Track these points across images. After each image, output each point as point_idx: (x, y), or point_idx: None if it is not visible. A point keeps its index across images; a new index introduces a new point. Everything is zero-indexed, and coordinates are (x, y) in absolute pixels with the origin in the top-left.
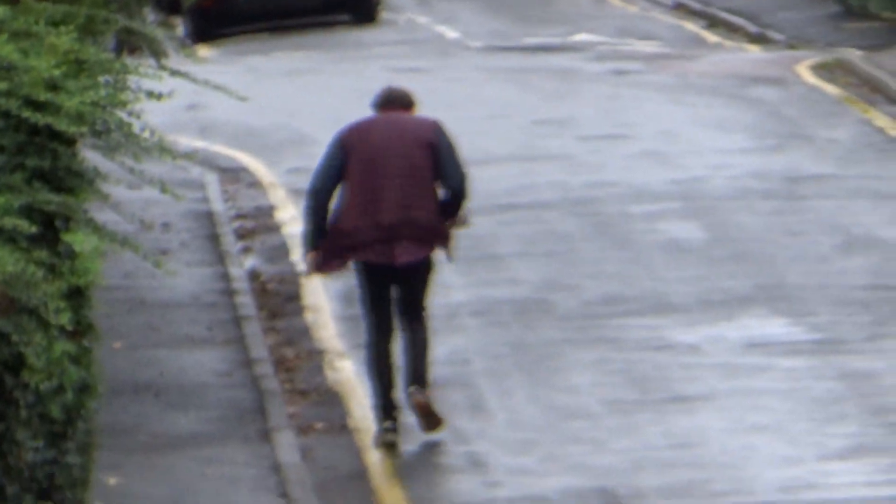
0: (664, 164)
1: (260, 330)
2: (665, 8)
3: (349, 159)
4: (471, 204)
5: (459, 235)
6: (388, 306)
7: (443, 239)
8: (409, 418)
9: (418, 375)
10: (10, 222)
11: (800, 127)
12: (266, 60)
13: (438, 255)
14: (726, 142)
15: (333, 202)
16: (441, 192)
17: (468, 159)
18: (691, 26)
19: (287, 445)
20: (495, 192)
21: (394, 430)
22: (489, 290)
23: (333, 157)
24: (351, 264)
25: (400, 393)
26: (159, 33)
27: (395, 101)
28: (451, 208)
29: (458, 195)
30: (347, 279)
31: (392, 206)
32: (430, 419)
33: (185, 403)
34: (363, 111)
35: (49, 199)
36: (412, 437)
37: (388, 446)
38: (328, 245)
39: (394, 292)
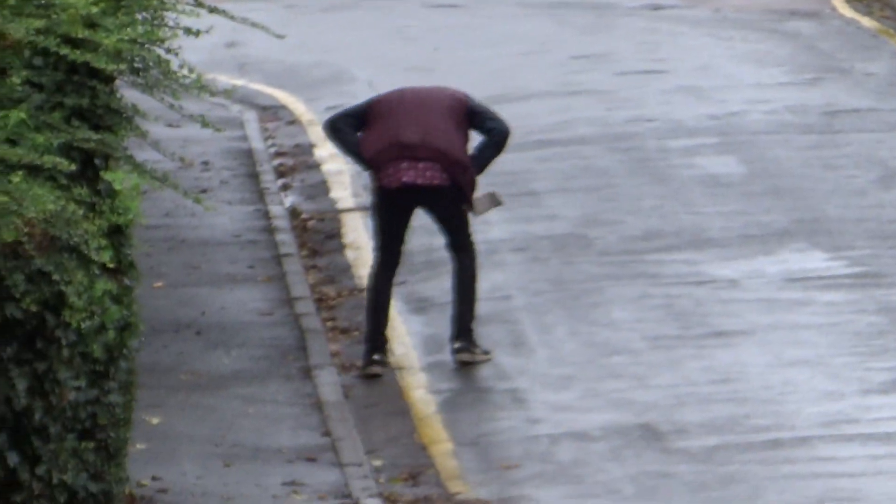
0: (701, 99)
1: (301, 268)
2: None
3: (374, 112)
4: (509, 141)
5: (497, 173)
6: (401, 239)
7: (465, 177)
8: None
9: (463, 324)
10: (49, 160)
11: (836, 60)
12: None
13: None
14: (763, 76)
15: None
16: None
17: (505, 96)
18: None
19: (329, 383)
20: (533, 128)
21: (381, 362)
22: (528, 226)
23: (357, 109)
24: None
25: (389, 328)
26: None
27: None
28: (487, 151)
29: (500, 134)
30: None
31: (414, 129)
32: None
33: (226, 342)
34: (400, 47)
35: (88, 136)
36: (453, 374)
37: (372, 377)
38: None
39: (432, 222)
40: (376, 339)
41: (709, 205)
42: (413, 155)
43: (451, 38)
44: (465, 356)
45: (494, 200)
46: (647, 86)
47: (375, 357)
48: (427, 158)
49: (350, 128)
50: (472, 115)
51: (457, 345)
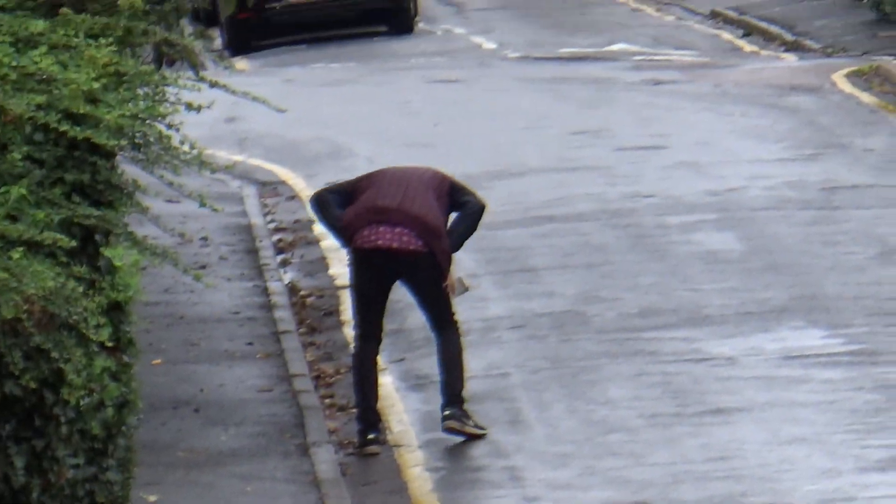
0: (700, 175)
1: (299, 344)
2: (701, 17)
3: (358, 191)
4: (501, 227)
5: (496, 249)
6: (378, 310)
7: (440, 245)
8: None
9: (452, 394)
10: (49, 237)
11: (836, 136)
12: (303, 72)
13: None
14: (762, 151)
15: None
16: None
17: (504, 171)
18: (727, 35)
19: (327, 461)
20: (531, 203)
21: (377, 442)
22: (526, 303)
23: (343, 186)
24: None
25: (380, 404)
26: (197, 45)
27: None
28: (462, 225)
29: (474, 207)
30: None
31: (392, 196)
32: (468, 438)
33: (224, 419)
34: (401, 122)
35: (88, 213)
36: (451, 451)
37: (370, 455)
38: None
39: (410, 296)
40: (368, 416)
41: (707, 281)
42: (389, 219)
43: (452, 112)
44: (454, 424)
45: (462, 286)
46: (646, 161)
47: (370, 436)
48: (403, 223)
49: (336, 204)
50: (451, 192)
51: (446, 412)
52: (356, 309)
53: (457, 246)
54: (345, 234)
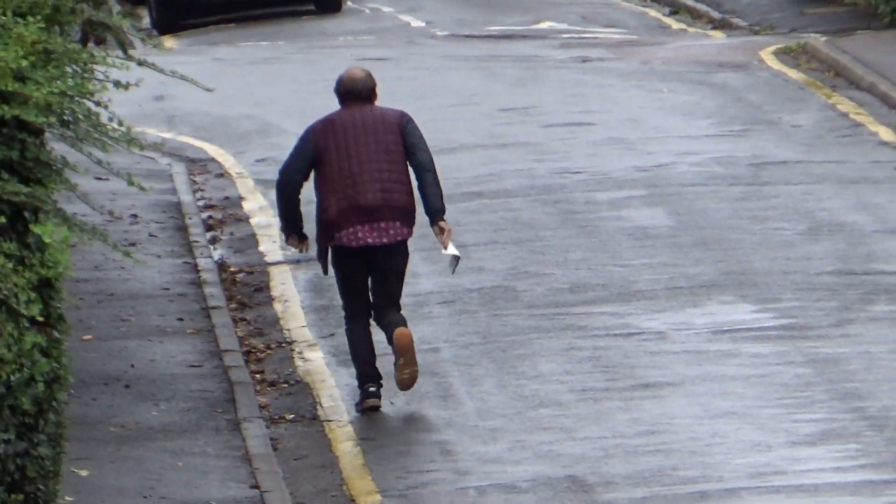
0: (629, 151)
1: (229, 320)
2: None
3: (322, 153)
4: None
5: (425, 224)
6: (365, 290)
7: (413, 221)
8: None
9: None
10: None
11: (764, 112)
12: (232, 51)
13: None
14: (691, 128)
15: (306, 192)
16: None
17: (434, 148)
18: (655, 13)
19: (258, 436)
20: (461, 180)
21: (376, 394)
22: (456, 279)
23: (303, 150)
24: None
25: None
26: (125, 23)
27: (358, 94)
28: (426, 192)
29: (427, 173)
30: (315, 271)
31: (371, 189)
32: (409, 359)
33: (155, 394)
34: (328, 100)
35: (17, 189)
36: (382, 426)
37: (372, 409)
38: (320, 236)
39: (370, 278)
40: (370, 371)
41: (637, 257)
42: (373, 217)
43: (381, 90)
44: (402, 329)
45: (456, 261)
46: (575, 138)
47: (371, 388)
48: (387, 217)
49: (299, 179)
50: (404, 134)
51: (396, 330)
52: (344, 292)
53: (443, 208)
54: (324, 229)
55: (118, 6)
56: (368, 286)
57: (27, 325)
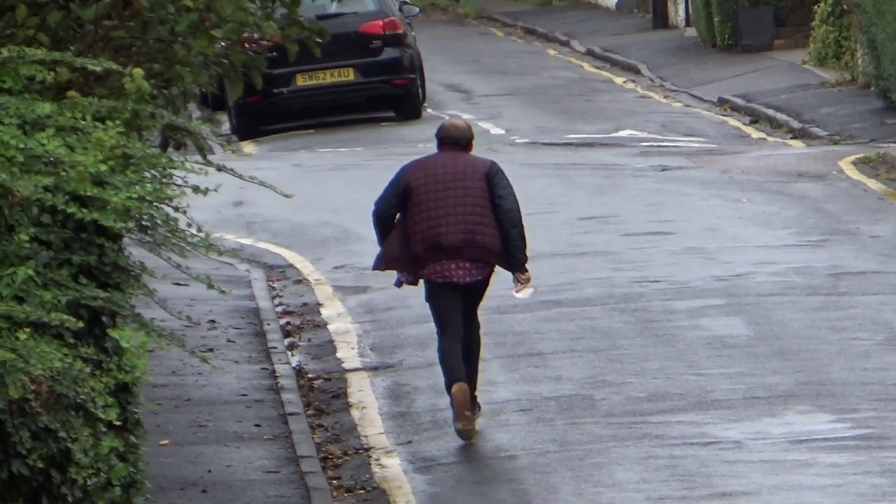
0: (708, 261)
1: (307, 427)
2: (709, 104)
3: (412, 192)
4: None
5: (504, 333)
6: (455, 315)
7: (500, 258)
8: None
9: (469, 376)
10: (56, 318)
11: (843, 222)
12: (311, 156)
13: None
14: (770, 238)
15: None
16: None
17: None
18: (734, 122)
19: None
20: (540, 288)
21: (471, 416)
22: (534, 387)
23: (396, 186)
24: (421, 282)
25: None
26: (204, 129)
27: (456, 142)
28: (509, 240)
29: (511, 214)
30: (393, 378)
31: (454, 231)
32: (462, 415)
33: (232, 500)
34: None
35: (95, 294)
36: None
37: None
38: (401, 263)
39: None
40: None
41: (714, 366)
42: (458, 256)
43: None
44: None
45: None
46: (653, 247)
47: (467, 413)
48: (472, 258)
49: (392, 212)
50: (489, 180)
51: (466, 413)
52: (436, 318)
53: (524, 253)
54: (411, 262)
55: (198, 111)
56: (458, 311)
57: (104, 429)
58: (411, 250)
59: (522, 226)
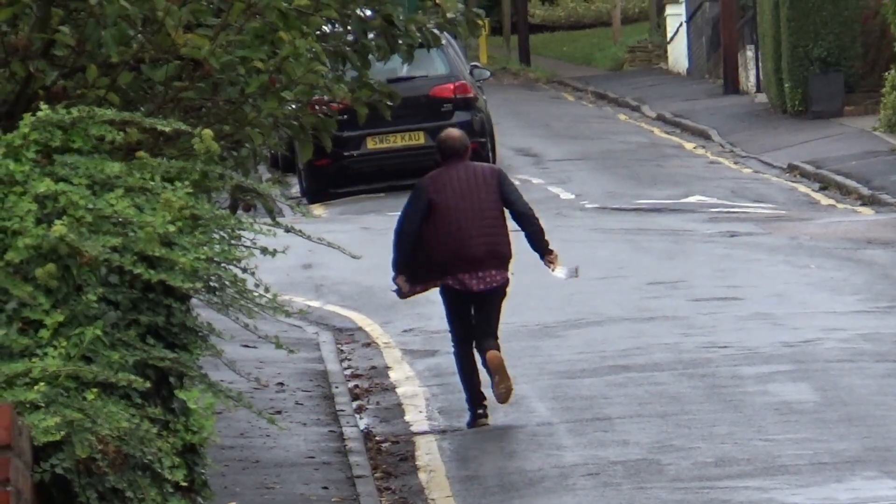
0: (776, 327)
1: (374, 489)
2: (778, 170)
3: (433, 205)
4: (577, 375)
5: (571, 398)
6: (469, 320)
7: (510, 261)
8: None
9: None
10: (124, 378)
11: None
12: (381, 219)
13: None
14: (838, 304)
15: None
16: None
17: (581, 320)
18: (804, 188)
19: None
20: (608, 353)
21: (484, 415)
22: (601, 451)
23: (417, 202)
24: (438, 289)
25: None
26: (274, 190)
27: (457, 151)
28: (533, 237)
29: (529, 218)
30: (460, 441)
31: (476, 243)
32: (503, 376)
33: None
34: None
35: (163, 355)
36: None
37: (482, 426)
38: (418, 273)
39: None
40: (476, 396)
41: (781, 432)
42: (476, 267)
43: (528, 261)
44: (495, 353)
45: (574, 272)
46: (721, 312)
47: (479, 412)
48: (489, 267)
49: (415, 229)
50: (502, 192)
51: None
52: (453, 323)
53: (547, 246)
54: (432, 270)
55: (268, 173)
56: (472, 315)
57: (171, 490)
58: (435, 260)
59: (537, 219)
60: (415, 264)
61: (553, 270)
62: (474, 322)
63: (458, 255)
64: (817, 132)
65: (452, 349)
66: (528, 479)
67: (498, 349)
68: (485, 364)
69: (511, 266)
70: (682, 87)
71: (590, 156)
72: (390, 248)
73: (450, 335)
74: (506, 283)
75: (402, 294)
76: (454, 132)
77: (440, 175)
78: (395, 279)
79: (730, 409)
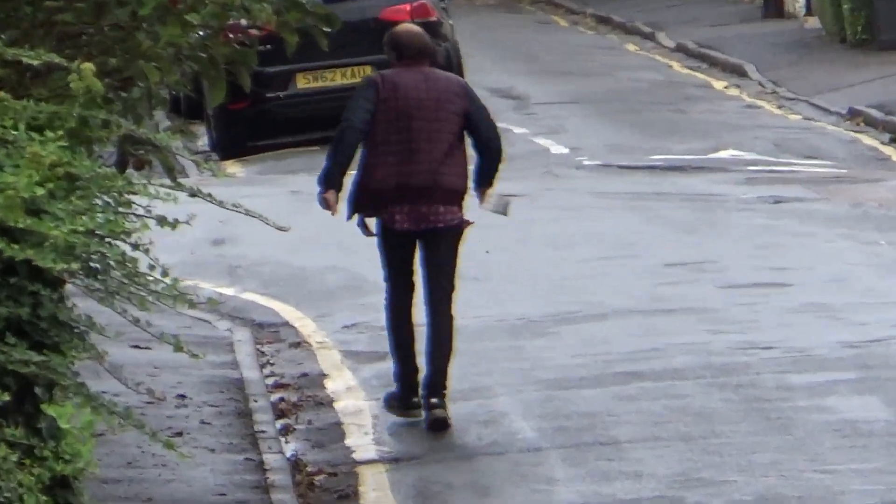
0: (835, 321)
1: None
2: (836, 117)
3: (379, 110)
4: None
5: (565, 415)
6: (410, 267)
7: (463, 203)
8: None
9: (438, 380)
10: None
11: None
12: (314, 181)
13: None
14: None
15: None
16: (475, 154)
17: (577, 313)
18: (869, 140)
19: None
20: (612, 356)
21: (418, 405)
22: (606, 487)
23: (369, 99)
24: (374, 224)
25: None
26: (175, 143)
27: (420, 50)
28: (488, 169)
29: (494, 151)
30: (419, 473)
31: (424, 169)
32: (441, 427)
33: None
34: None
35: (27, 357)
36: None
37: (413, 417)
38: (356, 199)
39: (419, 255)
40: (410, 384)
41: (844, 461)
42: (421, 197)
43: (508, 237)
44: (440, 413)
45: (503, 205)
46: (763, 303)
47: (415, 399)
48: (436, 200)
49: (364, 128)
50: (468, 117)
51: (432, 400)
52: (389, 269)
53: (492, 185)
54: (364, 196)
55: (167, 121)
56: (413, 265)
57: None
58: (367, 183)
59: (502, 151)
60: (357, 187)
61: (482, 203)
62: (424, 268)
63: (399, 180)
64: (886, 68)
65: (384, 300)
66: None
67: (442, 407)
68: (424, 407)
69: (465, 207)
70: (709, 7)
71: (589, 98)
72: (326, 222)
73: (385, 285)
74: (460, 224)
75: (366, 230)
76: (415, 28)
77: (393, 76)
78: (321, 194)
79: (774, 431)
